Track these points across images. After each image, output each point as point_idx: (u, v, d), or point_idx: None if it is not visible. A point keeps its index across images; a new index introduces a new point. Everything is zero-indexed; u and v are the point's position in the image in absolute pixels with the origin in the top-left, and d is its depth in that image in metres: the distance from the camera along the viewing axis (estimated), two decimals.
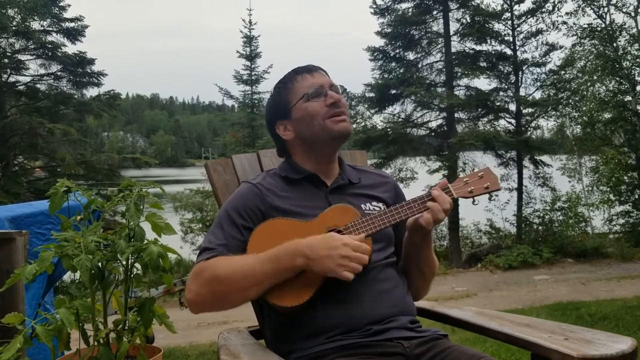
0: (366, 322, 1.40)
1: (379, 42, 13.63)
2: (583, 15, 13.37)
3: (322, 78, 1.59)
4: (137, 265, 1.61)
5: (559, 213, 12.59)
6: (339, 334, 1.38)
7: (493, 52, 13.08)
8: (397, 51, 13.54)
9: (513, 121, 13.15)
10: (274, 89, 1.65)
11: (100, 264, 1.55)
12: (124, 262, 1.60)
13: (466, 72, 12.88)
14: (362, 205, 1.55)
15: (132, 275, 1.64)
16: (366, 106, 13.76)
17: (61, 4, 12.35)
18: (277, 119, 1.61)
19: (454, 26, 13.09)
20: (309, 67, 1.61)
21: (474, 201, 1.52)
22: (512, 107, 13.13)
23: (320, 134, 1.54)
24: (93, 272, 1.52)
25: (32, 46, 12.08)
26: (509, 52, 13.08)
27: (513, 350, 3.94)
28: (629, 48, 13.10)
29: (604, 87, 13.92)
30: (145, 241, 1.59)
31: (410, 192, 1.61)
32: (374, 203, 1.59)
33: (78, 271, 1.51)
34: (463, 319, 1.61)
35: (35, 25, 12.24)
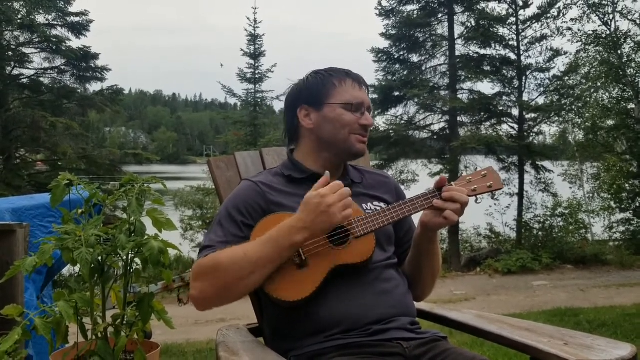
0: (366, 321, 1.40)
1: (384, 43, 13.64)
2: (588, 21, 13.37)
3: (365, 95, 1.59)
4: (137, 260, 1.61)
5: (559, 219, 12.57)
6: (338, 333, 1.39)
7: (497, 57, 13.06)
8: (401, 53, 13.52)
9: (515, 126, 13.13)
10: (315, 73, 1.61)
11: (100, 258, 1.55)
12: (124, 257, 1.60)
13: (470, 76, 12.87)
14: (364, 205, 1.56)
15: (131, 270, 1.64)
16: None
17: None
18: (303, 102, 1.58)
19: (458, 29, 13.08)
20: (360, 79, 1.61)
21: (476, 199, 1.54)
22: (515, 112, 13.11)
23: (340, 143, 1.55)
24: (93, 266, 1.52)
25: (37, 40, 12.05)
26: (513, 56, 13.06)
27: (510, 355, 3.93)
28: (634, 55, 13.09)
29: (607, 94, 13.92)
30: (146, 236, 1.59)
31: (411, 194, 1.61)
32: (375, 203, 1.60)
33: (77, 265, 1.51)
34: (462, 322, 1.61)
35: (40, 18, 12.22)
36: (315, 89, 1.57)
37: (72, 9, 12.41)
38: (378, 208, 1.57)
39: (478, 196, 1.53)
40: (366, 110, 1.57)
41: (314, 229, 1.35)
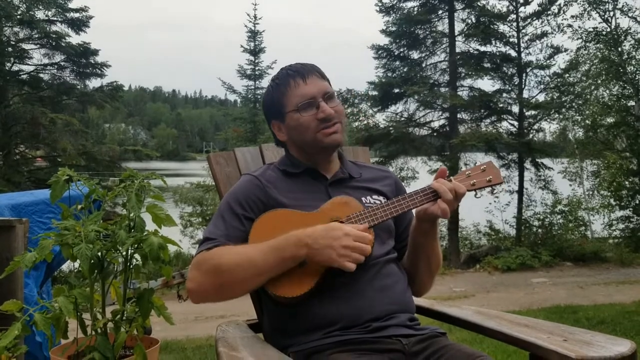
0: (366, 318, 1.40)
1: (384, 40, 13.62)
2: (588, 18, 13.37)
3: (315, 86, 1.54)
4: (137, 256, 1.60)
5: (559, 216, 12.58)
6: (338, 329, 1.39)
7: (497, 54, 13.05)
8: (402, 50, 13.51)
9: (515, 123, 13.13)
10: (269, 84, 1.63)
11: (99, 253, 1.55)
12: (124, 253, 1.60)
13: (470, 73, 12.85)
14: (363, 198, 1.55)
15: (131, 266, 1.63)
16: (369, 104, 13.75)
17: None
18: (272, 117, 1.62)
19: (459, 26, 13.07)
20: (302, 71, 1.55)
21: (476, 194, 1.53)
22: (515, 109, 13.12)
23: (312, 144, 1.54)
24: (92, 261, 1.52)
25: (36, 35, 12.03)
26: (513, 53, 13.06)
27: (509, 352, 3.94)
28: (634, 53, 13.08)
29: (607, 92, 13.92)
30: (146, 232, 1.59)
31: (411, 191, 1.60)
32: (375, 196, 1.59)
33: (77, 261, 1.50)
34: (462, 318, 1.61)
35: (40, 14, 12.21)
36: (272, 103, 1.60)
37: (71, 5, 12.42)
38: (377, 201, 1.57)
39: (477, 191, 1.52)
40: (322, 99, 1.52)
41: (317, 253, 1.35)
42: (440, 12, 13.12)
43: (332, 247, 1.34)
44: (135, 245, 1.56)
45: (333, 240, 1.34)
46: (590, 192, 14.93)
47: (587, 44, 13.56)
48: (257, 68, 13.37)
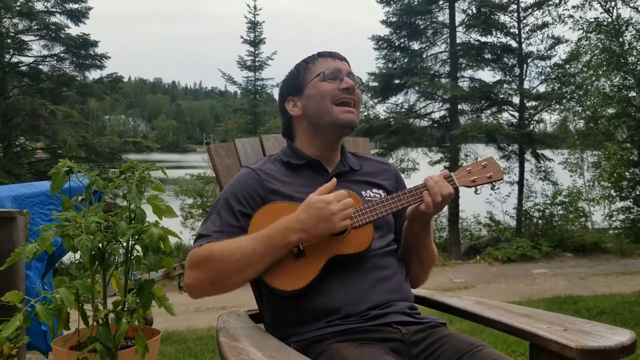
0: (365, 307, 1.41)
1: (384, 31, 13.58)
2: (590, 9, 13.29)
3: (342, 64, 1.61)
4: (138, 247, 1.61)
5: (559, 207, 12.58)
6: (338, 318, 1.39)
7: (498, 44, 13.01)
8: (402, 41, 13.46)
9: (516, 114, 13.11)
10: (295, 66, 1.66)
11: (100, 244, 1.55)
12: (125, 244, 1.60)
13: (471, 64, 12.81)
14: (363, 192, 1.56)
15: (132, 257, 1.63)
16: (369, 95, 13.72)
17: None
18: (289, 94, 1.63)
19: (459, 17, 13.01)
20: (332, 52, 1.63)
21: (476, 190, 1.53)
22: (516, 100, 13.10)
23: (325, 117, 1.54)
24: (93, 252, 1.52)
25: (36, 27, 11.99)
26: (514, 44, 13.02)
27: (510, 342, 3.96)
28: (635, 43, 13.03)
29: (608, 82, 13.87)
30: (146, 223, 1.58)
31: (411, 183, 1.60)
32: (375, 190, 1.59)
33: (78, 252, 1.51)
34: (462, 308, 1.61)
35: (39, 5, 12.16)
36: (294, 78, 1.62)
37: None
38: (377, 195, 1.57)
39: (478, 187, 1.52)
40: (345, 75, 1.57)
41: (311, 233, 1.37)
42: (440, 2, 13.05)
43: (323, 220, 1.35)
44: (136, 237, 1.56)
45: (320, 213, 1.35)
46: (591, 183, 14.92)
47: (588, 35, 13.51)
48: (257, 59, 13.30)
